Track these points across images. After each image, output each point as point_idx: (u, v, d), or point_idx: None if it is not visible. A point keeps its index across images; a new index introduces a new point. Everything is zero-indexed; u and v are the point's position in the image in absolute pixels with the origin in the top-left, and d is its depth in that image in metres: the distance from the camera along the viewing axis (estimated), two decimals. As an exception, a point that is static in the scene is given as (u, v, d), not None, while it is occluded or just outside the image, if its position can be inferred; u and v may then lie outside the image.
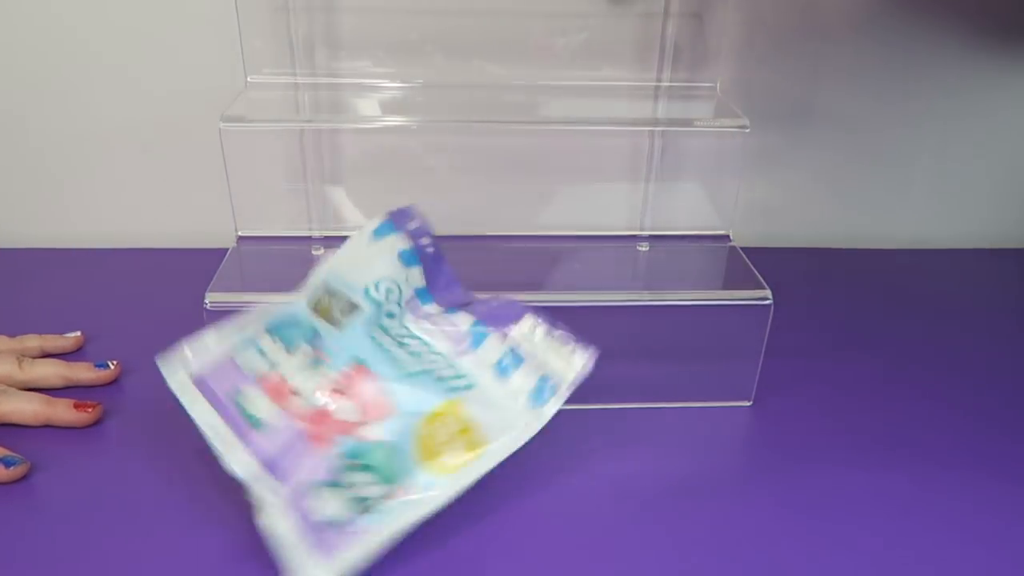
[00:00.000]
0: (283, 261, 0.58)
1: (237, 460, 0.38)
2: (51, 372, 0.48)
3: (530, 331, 0.43)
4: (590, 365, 0.42)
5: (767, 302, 0.47)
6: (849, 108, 0.67)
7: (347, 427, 0.39)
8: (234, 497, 0.39)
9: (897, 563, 0.39)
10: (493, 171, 0.63)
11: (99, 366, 0.50)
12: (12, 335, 0.51)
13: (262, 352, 0.41)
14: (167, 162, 0.64)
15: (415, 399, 0.41)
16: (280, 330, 0.41)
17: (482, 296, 0.45)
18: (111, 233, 0.66)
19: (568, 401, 0.49)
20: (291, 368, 0.40)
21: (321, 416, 0.40)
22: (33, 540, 0.39)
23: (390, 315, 0.42)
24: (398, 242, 0.43)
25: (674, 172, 0.61)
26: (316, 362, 0.41)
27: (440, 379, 0.41)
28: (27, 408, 0.45)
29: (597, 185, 0.63)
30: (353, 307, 0.42)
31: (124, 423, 0.47)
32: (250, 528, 0.37)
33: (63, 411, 0.46)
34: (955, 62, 0.65)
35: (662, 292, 0.48)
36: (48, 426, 0.46)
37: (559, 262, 0.55)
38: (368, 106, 0.59)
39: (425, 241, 0.43)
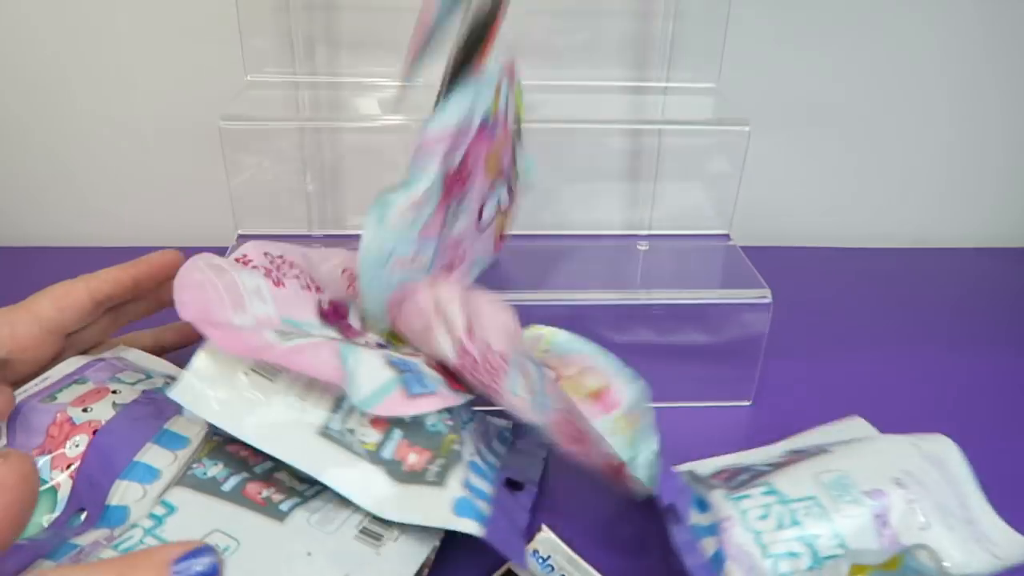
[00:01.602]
0: (283, 260, 0.57)
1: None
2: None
3: None
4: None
5: (767, 301, 0.47)
6: (849, 108, 0.67)
7: None
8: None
9: (897, 563, 0.39)
10: (493, 170, 0.63)
11: None
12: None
13: None
14: (167, 161, 0.64)
15: None
16: None
17: None
18: (111, 232, 0.66)
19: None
20: None
21: None
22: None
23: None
24: None
25: (674, 172, 0.61)
26: None
27: None
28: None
29: (597, 185, 0.63)
30: None
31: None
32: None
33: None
34: (955, 61, 0.65)
35: (662, 292, 0.48)
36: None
37: (559, 262, 0.54)
38: (368, 105, 0.59)
39: None
